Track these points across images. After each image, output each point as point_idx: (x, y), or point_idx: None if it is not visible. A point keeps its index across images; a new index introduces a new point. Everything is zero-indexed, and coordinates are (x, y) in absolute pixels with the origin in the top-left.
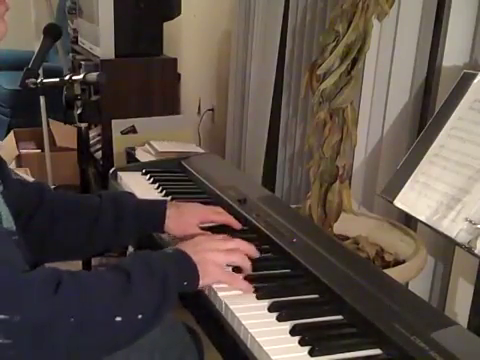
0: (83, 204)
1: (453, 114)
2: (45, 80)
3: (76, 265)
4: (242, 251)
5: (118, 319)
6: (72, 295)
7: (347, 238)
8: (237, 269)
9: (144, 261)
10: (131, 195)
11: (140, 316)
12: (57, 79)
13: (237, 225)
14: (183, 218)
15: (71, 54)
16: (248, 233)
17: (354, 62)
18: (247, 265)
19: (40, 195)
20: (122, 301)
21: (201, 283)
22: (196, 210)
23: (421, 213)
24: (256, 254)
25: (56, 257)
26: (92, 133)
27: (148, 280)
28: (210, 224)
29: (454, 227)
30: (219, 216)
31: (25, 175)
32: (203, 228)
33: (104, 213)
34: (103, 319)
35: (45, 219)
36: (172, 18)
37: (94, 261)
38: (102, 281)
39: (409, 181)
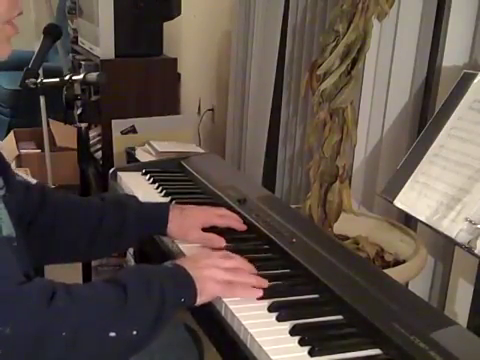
0: (86, 207)
1: (453, 114)
2: (45, 80)
3: (76, 266)
4: (242, 269)
5: (112, 334)
6: (65, 309)
7: (347, 238)
8: None
9: (142, 276)
10: (134, 198)
11: (135, 332)
12: (57, 79)
13: (241, 228)
14: (186, 221)
15: (71, 54)
16: (248, 233)
17: (354, 62)
18: (249, 282)
19: (42, 197)
20: (117, 316)
21: (199, 300)
22: (199, 214)
23: (421, 213)
24: (253, 274)
25: (57, 259)
26: (92, 133)
27: (145, 296)
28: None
29: (454, 227)
30: (222, 220)
31: (25, 175)
32: (206, 229)
33: (107, 216)
34: (96, 334)
35: (47, 222)
36: (172, 18)
37: (94, 262)
38: (97, 295)
39: (409, 181)
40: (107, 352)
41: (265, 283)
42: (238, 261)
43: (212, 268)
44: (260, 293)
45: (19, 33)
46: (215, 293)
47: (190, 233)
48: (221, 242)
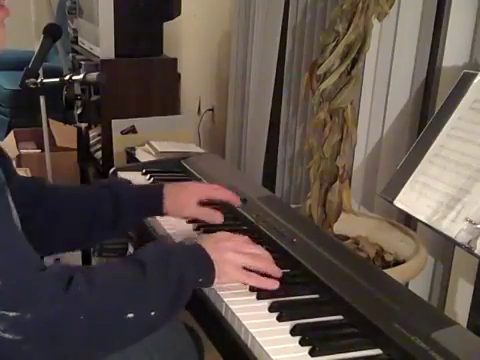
0: (81, 194)
1: (453, 114)
2: (45, 80)
3: (76, 262)
4: (260, 257)
5: (130, 315)
6: (83, 293)
7: (347, 238)
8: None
9: (160, 254)
10: (127, 182)
11: (153, 313)
12: (57, 79)
13: (237, 202)
14: (181, 196)
15: (71, 54)
16: (248, 233)
17: (354, 62)
18: (269, 269)
19: (39, 189)
20: (135, 297)
21: (216, 282)
22: (194, 189)
23: (421, 213)
24: (274, 267)
25: (56, 249)
26: (92, 133)
27: (163, 276)
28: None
29: (454, 227)
30: (217, 192)
31: (25, 175)
32: (202, 226)
33: (103, 201)
34: (114, 316)
35: (44, 213)
36: (172, 18)
37: (94, 261)
38: (115, 277)
39: (409, 181)
40: (125, 333)
41: (279, 273)
42: (258, 248)
43: (232, 252)
44: (277, 285)
45: (19, 33)
46: (233, 278)
47: (186, 208)
48: (219, 217)
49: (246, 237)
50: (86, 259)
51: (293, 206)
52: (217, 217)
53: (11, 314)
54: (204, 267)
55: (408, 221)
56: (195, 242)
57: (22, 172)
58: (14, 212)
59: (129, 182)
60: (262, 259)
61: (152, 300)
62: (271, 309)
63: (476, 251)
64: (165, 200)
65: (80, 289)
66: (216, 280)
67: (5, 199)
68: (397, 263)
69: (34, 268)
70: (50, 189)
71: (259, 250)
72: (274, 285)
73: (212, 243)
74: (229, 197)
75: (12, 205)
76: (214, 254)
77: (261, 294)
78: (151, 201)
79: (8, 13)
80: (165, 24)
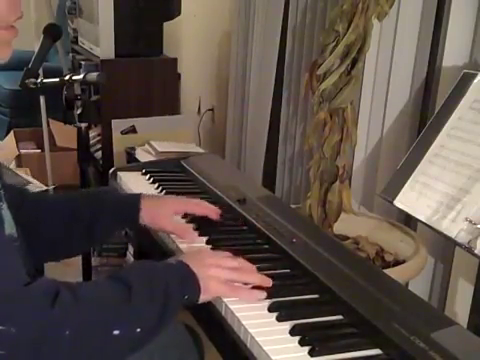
0: (59, 201)
1: (453, 114)
2: (45, 80)
3: (76, 265)
4: (245, 270)
5: (116, 332)
6: (68, 309)
7: (347, 238)
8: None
9: (145, 272)
10: (108, 190)
11: (139, 330)
12: (57, 79)
13: (215, 215)
14: (158, 209)
15: (71, 54)
16: (248, 233)
17: (354, 62)
18: (253, 281)
19: (23, 196)
20: (121, 315)
21: (202, 298)
22: (173, 202)
23: (421, 213)
24: (257, 278)
25: (42, 258)
26: (92, 133)
27: (149, 293)
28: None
29: (454, 227)
30: (196, 207)
31: (25, 175)
32: (190, 220)
33: (80, 207)
34: (100, 332)
35: (26, 221)
36: (172, 18)
37: (94, 262)
38: (101, 294)
39: (409, 181)
40: (111, 350)
41: (269, 282)
42: (240, 262)
43: (216, 267)
44: (263, 295)
45: (19, 33)
46: (218, 293)
47: (162, 221)
48: (191, 235)
49: (228, 252)
50: (86, 260)
51: (293, 206)
52: (188, 234)
53: None
54: (189, 284)
55: (408, 221)
56: (179, 259)
57: (22, 172)
58: (8, 222)
59: (116, 190)
60: (247, 272)
61: (138, 317)
62: (270, 309)
63: (476, 251)
64: (142, 211)
65: (65, 305)
66: (201, 296)
67: None
68: (397, 263)
69: (19, 282)
70: (34, 196)
71: (242, 264)
72: (261, 296)
73: (196, 260)
74: (208, 212)
75: (7, 214)
76: (198, 270)
77: None
78: (127, 210)
79: (16, 34)
80: (165, 24)
